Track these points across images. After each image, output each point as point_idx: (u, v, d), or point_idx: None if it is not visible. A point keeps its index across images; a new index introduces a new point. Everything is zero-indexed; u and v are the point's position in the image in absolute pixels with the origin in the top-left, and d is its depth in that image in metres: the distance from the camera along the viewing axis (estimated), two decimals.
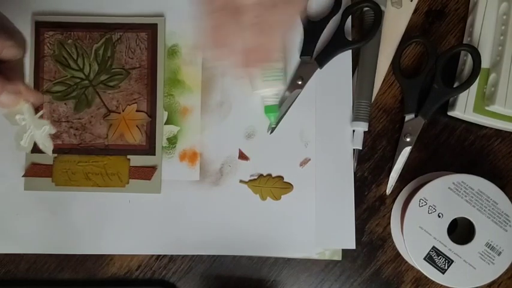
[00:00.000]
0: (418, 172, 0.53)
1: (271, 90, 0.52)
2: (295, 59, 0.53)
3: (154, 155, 0.52)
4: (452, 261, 0.47)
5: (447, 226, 0.47)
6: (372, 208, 0.53)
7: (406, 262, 0.52)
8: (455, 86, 0.52)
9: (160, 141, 0.53)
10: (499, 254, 0.46)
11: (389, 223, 0.53)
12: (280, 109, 0.53)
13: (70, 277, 0.52)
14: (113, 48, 0.53)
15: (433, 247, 0.47)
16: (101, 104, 0.53)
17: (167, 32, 0.54)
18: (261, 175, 0.53)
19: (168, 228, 0.52)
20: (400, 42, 0.54)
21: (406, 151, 0.52)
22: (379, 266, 0.53)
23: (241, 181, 0.53)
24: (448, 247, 0.47)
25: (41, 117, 0.45)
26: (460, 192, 0.47)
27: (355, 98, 0.53)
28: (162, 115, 0.53)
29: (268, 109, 0.52)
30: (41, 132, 0.45)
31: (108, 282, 0.52)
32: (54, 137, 0.52)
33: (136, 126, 0.53)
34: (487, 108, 0.51)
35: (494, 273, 0.46)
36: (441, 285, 0.48)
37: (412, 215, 0.48)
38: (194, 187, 0.53)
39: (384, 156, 0.53)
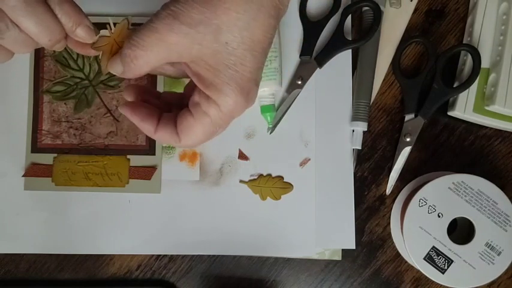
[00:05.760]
0: (418, 172, 0.53)
1: (266, 90, 0.51)
2: (294, 58, 0.53)
3: (154, 154, 0.52)
4: (452, 261, 0.47)
5: (447, 226, 0.47)
6: (371, 208, 0.53)
7: (406, 262, 0.52)
8: (455, 86, 0.52)
9: None
10: (499, 254, 0.46)
11: (389, 223, 0.53)
12: (280, 109, 0.53)
13: (70, 277, 0.52)
14: None
15: (433, 247, 0.47)
16: (101, 104, 0.53)
17: None
18: (261, 175, 0.53)
19: (168, 228, 0.52)
20: (400, 42, 0.54)
21: (406, 151, 0.52)
22: (379, 266, 0.53)
23: (241, 181, 0.53)
24: (448, 247, 0.47)
25: None
26: (460, 192, 0.47)
27: (354, 97, 0.53)
28: None
29: (264, 109, 0.52)
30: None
31: (108, 282, 0.52)
32: (54, 137, 0.52)
33: None
34: (487, 108, 0.50)
35: (494, 273, 0.46)
36: (441, 285, 0.48)
37: (412, 215, 0.48)
38: (194, 187, 0.53)
39: (384, 156, 0.53)
